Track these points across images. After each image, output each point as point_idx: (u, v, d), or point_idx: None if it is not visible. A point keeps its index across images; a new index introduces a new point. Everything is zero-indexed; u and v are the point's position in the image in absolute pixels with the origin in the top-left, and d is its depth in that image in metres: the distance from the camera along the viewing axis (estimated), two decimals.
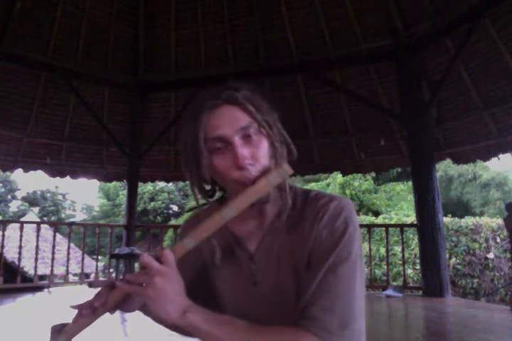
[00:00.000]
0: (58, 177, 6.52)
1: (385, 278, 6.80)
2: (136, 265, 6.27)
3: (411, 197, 10.54)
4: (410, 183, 7.35)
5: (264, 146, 0.72)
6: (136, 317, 3.48)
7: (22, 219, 17.06)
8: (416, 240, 6.37)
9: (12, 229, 13.22)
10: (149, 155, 6.49)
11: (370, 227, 6.45)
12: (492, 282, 7.66)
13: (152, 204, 25.73)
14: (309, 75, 5.88)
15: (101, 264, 17.37)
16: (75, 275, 11.60)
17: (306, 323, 0.63)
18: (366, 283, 5.80)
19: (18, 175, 33.68)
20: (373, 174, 13.18)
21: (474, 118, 5.26)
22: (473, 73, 5.10)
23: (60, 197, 32.93)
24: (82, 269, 6.08)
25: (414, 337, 3.01)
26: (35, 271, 5.43)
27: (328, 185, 14.59)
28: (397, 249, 7.91)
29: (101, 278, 6.67)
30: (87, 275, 12.38)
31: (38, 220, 21.51)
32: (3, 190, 30.81)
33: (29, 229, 10.78)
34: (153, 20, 6.18)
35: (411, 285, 7.20)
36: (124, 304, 0.71)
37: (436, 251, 4.69)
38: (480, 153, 5.39)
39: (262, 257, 0.76)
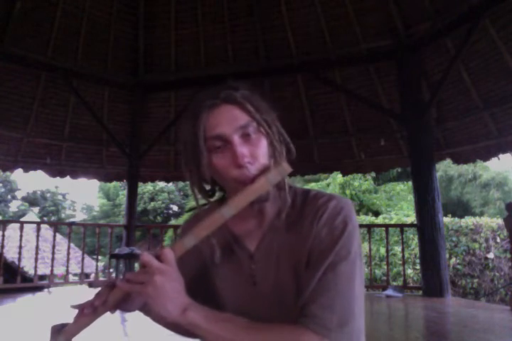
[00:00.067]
0: (58, 177, 6.52)
1: (385, 278, 6.80)
2: (136, 265, 6.27)
3: (411, 197, 10.54)
4: (410, 183, 7.35)
5: (263, 145, 0.72)
6: (136, 317, 3.49)
7: (22, 219, 17.07)
8: (416, 240, 6.37)
9: (12, 229, 13.22)
10: (149, 155, 6.49)
11: (370, 227, 6.46)
12: (492, 282, 7.66)
13: (152, 204, 25.74)
14: (309, 75, 5.88)
15: (101, 264, 17.37)
16: (75, 275, 11.60)
17: (305, 321, 0.64)
18: (366, 283, 5.80)
19: (18, 175, 33.79)
20: (373, 174, 13.18)
21: (474, 118, 5.26)
22: (473, 73, 5.10)
23: (60, 197, 32.93)
24: (82, 269, 6.08)
25: (414, 337, 3.01)
26: (35, 271, 5.43)
27: (328, 185, 14.59)
28: (397, 248, 7.91)
29: (101, 278, 6.67)
30: (87, 275, 12.38)
31: (38, 220, 21.52)
32: (3, 190, 30.82)
33: (29, 229, 10.79)
34: (153, 20, 6.18)
35: (411, 285, 7.20)
36: (124, 303, 0.71)
37: (436, 251, 4.69)
38: (480, 153, 5.39)
39: (262, 257, 0.76)
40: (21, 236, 5.28)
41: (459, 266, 7.80)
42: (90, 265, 15.14)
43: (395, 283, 7.50)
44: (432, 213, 4.78)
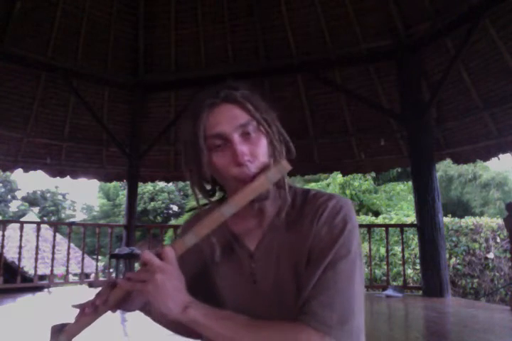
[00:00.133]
0: (58, 177, 6.53)
1: (385, 278, 6.80)
2: (136, 265, 6.27)
3: (411, 197, 10.53)
4: (410, 183, 7.35)
5: (262, 144, 0.73)
6: (136, 317, 3.48)
7: (22, 219, 17.07)
8: (416, 240, 6.37)
9: (12, 229, 13.21)
10: (149, 155, 6.49)
11: (370, 227, 6.45)
12: (492, 282, 7.66)
13: (152, 204, 25.74)
14: (309, 75, 5.88)
15: (101, 264, 17.37)
16: (75, 275, 11.60)
17: (305, 318, 0.64)
18: (366, 283, 5.80)
19: (18, 175, 33.78)
20: (373, 174, 13.19)
21: (474, 118, 5.26)
22: (473, 73, 5.10)
23: (60, 197, 32.92)
24: (82, 269, 6.09)
25: (414, 337, 3.01)
26: (35, 271, 5.43)
27: (328, 185, 14.59)
28: (397, 248, 7.91)
29: (101, 278, 6.67)
30: (87, 276, 12.37)
31: (38, 220, 21.52)
32: (3, 190, 30.81)
33: (29, 229, 10.78)
34: (153, 20, 6.18)
35: (411, 285, 7.20)
36: (125, 303, 0.71)
37: (436, 251, 4.69)
38: (480, 153, 5.39)
39: (262, 255, 0.76)
40: (21, 236, 5.28)
41: (459, 266, 7.80)
42: (90, 265, 15.13)
43: (395, 283, 7.50)
44: (432, 213, 4.78)
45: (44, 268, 10.49)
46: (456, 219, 8.54)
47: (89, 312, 0.68)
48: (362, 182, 14.23)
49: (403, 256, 5.53)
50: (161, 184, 25.37)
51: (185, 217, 22.23)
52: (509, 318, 3.68)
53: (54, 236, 5.90)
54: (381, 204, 13.92)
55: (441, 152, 5.63)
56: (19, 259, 5.39)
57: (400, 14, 5.19)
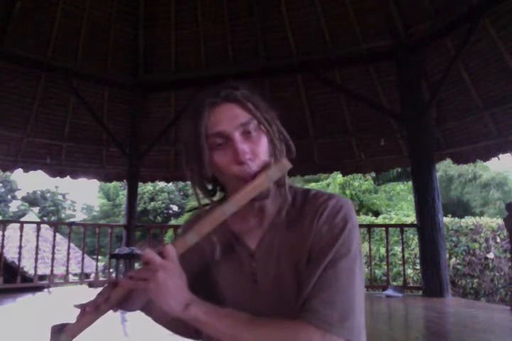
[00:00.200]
0: (58, 177, 6.53)
1: (385, 278, 6.80)
2: (136, 265, 6.27)
3: (411, 197, 10.54)
4: (410, 183, 7.35)
5: (263, 143, 0.73)
6: (136, 317, 3.48)
7: (22, 219, 17.06)
8: (416, 240, 6.37)
9: (12, 229, 13.21)
10: (149, 155, 6.49)
11: (370, 227, 6.45)
12: (492, 282, 7.66)
13: (152, 204, 25.74)
14: (309, 75, 5.88)
15: (101, 264, 17.38)
16: (75, 275, 11.60)
17: (306, 316, 0.64)
18: (366, 283, 5.80)
19: (18, 175, 33.76)
20: (373, 174, 13.19)
21: (474, 118, 5.26)
22: (473, 73, 5.10)
23: (60, 197, 32.92)
24: (82, 269, 6.09)
25: (414, 337, 3.01)
26: (35, 271, 5.43)
27: (328, 185, 14.60)
28: (397, 248, 7.91)
29: (101, 278, 6.67)
30: (87, 275, 12.38)
31: (38, 220, 21.52)
32: (3, 190, 30.81)
33: (29, 229, 10.78)
34: (153, 20, 6.18)
35: (411, 285, 7.20)
36: (126, 303, 0.72)
37: (436, 251, 4.69)
38: (480, 153, 5.39)
39: (263, 254, 0.77)
40: (21, 236, 5.28)
41: (459, 266, 7.80)
42: (90, 265, 15.13)
43: (395, 283, 7.50)
44: (432, 213, 4.78)
45: (44, 268, 10.48)
46: (456, 219, 8.54)
47: (90, 311, 0.68)
48: (362, 182, 14.23)
49: (403, 256, 5.53)
50: (161, 184, 25.39)
51: (185, 217, 22.22)
52: (509, 318, 3.68)
53: (54, 236, 5.90)
54: (381, 204, 13.92)
55: (441, 152, 5.63)
56: (19, 259, 5.39)
57: (400, 14, 5.19)
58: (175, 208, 27.95)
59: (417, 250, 6.36)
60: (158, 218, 26.13)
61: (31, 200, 31.03)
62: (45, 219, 28.49)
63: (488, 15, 4.52)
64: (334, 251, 0.68)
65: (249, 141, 0.72)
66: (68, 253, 6.02)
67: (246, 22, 6.02)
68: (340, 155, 6.37)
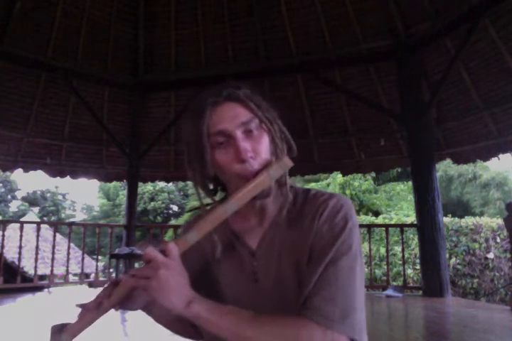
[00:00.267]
0: (58, 177, 6.53)
1: (385, 278, 6.80)
2: (136, 265, 6.27)
3: (411, 197, 10.54)
4: (410, 183, 7.35)
5: (265, 141, 0.73)
6: (136, 317, 3.49)
7: (22, 219, 17.06)
8: (416, 240, 6.36)
9: (12, 229, 13.21)
10: (149, 155, 6.49)
11: (370, 227, 6.45)
12: (492, 282, 7.66)
13: (152, 204, 25.74)
14: (309, 75, 5.88)
15: (101, 264, 17.38)
16: (75, 275, 11.60)
17: (308, 313, 0.64)
18: (366, 283, 5.80)
19: (18, 175, 33.71)
20: (373, 174, 13.19)
21: (474, 118, 5.26)
22: (473, 73, 5.10)
23: (60, 197, 32.92)
24: (82, 269, 6.09)
25: (414, 337, 3.01)
26: (35, 271, 5.43)
27: (328, 185, 14.60)
28: (397, 248, 7.91)
29: (101, 278, 6.67)
30: (87, 275, 12.37)
31: (38, 220, 21.51)
32: (3, 190, 30.81)
33: (29, 229, 10.78)
34: (153, 20, 6.18)
35: (411, 285, 7.20)
36: (127, 301, 0.72)
37: (436, 251, 4.69)
38: (480, 153, 5.39)
39: (264, 253, 0.77)
40: (21, 236, 5.28)
41: (459, 266, 7.80)
42: (90, 265, 15.13)
43: (395, 283, 7.50)
44: (432, 213, 4.78)
45: (44, 268, 10.49)
46: (456, 219, 8.54)
47: (92, 309, 0.68)
48: (362, 182, 14.23)
49: (403, 256, 5.53)
50: (161, 184, 25.39)
51: (186, 217, 22.23)
52: (509, 318, 3.68)
53: (54, 236, 5.90)
54: (381, 204, 13.92)
55: (441, 152, 5.63)
56: (19, 259, 5.39)
57: (400, 14, 5.19)
58: (175, 208, 27.95)
59: (417, 250, 6.36)
60: (158, 218, 26.13)
61: (31, 200, 31.03)
62: (45, 219, 28.49)
63: (488, 15, 4.52)
64: (335, 249, 0.69)
65: (251, 139, 0.72)
66: (68, 253, 6.02)
67: (246, 22, 6.01)
68: (340, 155, 6.37)
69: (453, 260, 7.76)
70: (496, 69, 4.87)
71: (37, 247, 5.43)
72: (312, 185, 14.37)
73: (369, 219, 9.96)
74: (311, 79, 5.95)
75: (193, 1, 6.01)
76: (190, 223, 0.89)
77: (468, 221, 8.27)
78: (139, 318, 3.35)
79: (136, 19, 6.13)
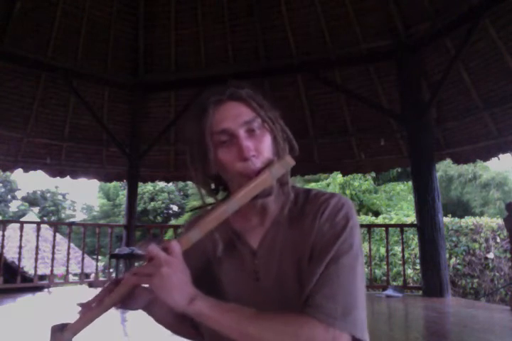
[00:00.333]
0: (58, 177, 6.53)
1: (385, 278, 6.80)
2: (137, 265, 6.27)
3: (411, 197, 10.54)
4: (410, 183, 7.35)
5: (267, 140, 0.74)
6: (136, 317, 3.48)
7: (22, 219, 17.06)
8: (416, 240, 6.36)
9: (12, 229, 13.21)
10: (149, 155, 6.49)
11: (370, 227, 6.45)
12: (492, 282, 7.66)
13: (152, 204, 25.74)
14: (309, 75, 5.88)
15: (101, 264, 17.37)
16: (75, 275, 11.60)
17: (310, 310, 0.65)
18: (366, 283, 5.79)
19: (18, 175, 33.69)
20: (373, 174, 13.18)
21: (474, 118, 5.26)
22: (473, 73, 5.10)
23: (60, 197, 32.92)
24: (82, 269, 6.09)
25: (414, 337, 3.01)
26: (35, 271, 5.43)
27: (328, 185, 14.59)
28: (397, 248, 7.91)
29: (101, 278, 6.67)
30: (87, 275, 12.38)
31: (38, 220, 21.51)
32: (3, 190, 30.80)
33: (29, 229, 10.77)
34: (153, 20, 6.18)
35: (411, 285, 7.20)
36: (129, 300, 0.72)
37: (436, 251, 4.69)
38: (480, 153, 5.39)
39: (265, 252, 0.77)
40: (21, 236, 5.28)
41: (459, 266, 7.80)
42: (90, 265, 15.13)
43: (395, 283, 7.50)
44: (432, 213, 4.78)
45: (44, 268, 10.49)
46: (456, 219, 8.54)
47: (94, 306, 0.69)
48: (362, 182, 14.23)
49: (403, 256, 5.53)
50: (161, 184, 25.38)
51: (186, 217, 22.24)
52: (509, 318, 3.68)
53: (54, 236, 5.90)
54: (381, 204, 13.92)
55: (441, 152, 5.63)
56: (19, 259, 5.39)
57: (400, 14, 5.19)
58: (175, 208, 27.95)
59: (417, 250, 6.36)
60: (158, 218, 26.13)
61: (31, 200, 31.03)
62: (45, 219, 28.49)
63: (488, 15, 4.52)
64: (336, 248, 0.69)
65: (254, 138, 0.73)
66: (68, 253, 6.02)
67: (246, 22, 6.01)
68: (340, 155, 6.37)
69: (453, 260, 7.76)
70: (496, 69, 4.87)
71: (37, 247, 5.43)
72: (312, 185, 14.37)
73: (369, 219, 9.96)
74: (311, 79, 5.95)
75: (193, 1, 6.01)
76: (191, 222, 0.89)
77: (468, 221, 8.27)
78: (139, 318, 3.35)
79: (136, 19, 6.13)
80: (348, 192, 13.86)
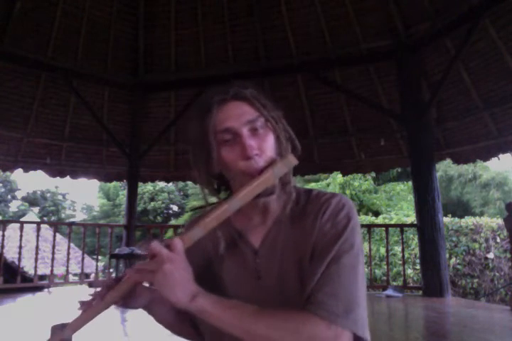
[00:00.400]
0: (58, 177, 6.53)
1: (385, 278, 6.80)
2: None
3: (411, 197, 10.54)
4: (410, 183, 7.35)
5: (270, 139, 0.75)
6: (136, 317, 3.48)
7: (22, 219, 17.06)
8: (416, 240, 6.36)
9: (12, 229, 13.21)
10: (149, 155, 6.48)
11: (370, 227, 6.45)
12: (492, 282, 7.66)
13: (152, 204, 25.74)
14: (309, 75, 5.88)
15: (101, 264, 17.36)
16: (75, 275, 11.60)
17: (312, 307, 0.65)
18: (366, 283, 5.79)
19: (18, 175, 33.70)
20: (373, 174, 13.19)
21: (474, 118, 5.26)
22: (473, 73, 5.10)
23: (60, 197, 32.92)
24: (82, 269, 6.09)
25: (414, 337, 3.01)
26: (35, 271, 5.43)
27: (328, 185, 14.60)
28: (397, 248, 7.91)
29: (101, 278, 6.67)
30: (87, 275, 12.38)
31: (38, 220, 21.51)
32: (3, 190, 30.80)
33: (29, 229, 10.77)
34: (153, 20, 6.18)
35: (411, 285, 7.20)
36: (130, 298, 0.73)
37: (436, 251, 4.69)
38: (480, 153, 5.39)
39: (267, 251, 0.77)
40: (21, 236, 5.28)
41: (459, 266, 7.80)
42: (90, 265, 15.13)
43: (395, 283, 7.50)
44: (432, 213, 4.78)
45: (44, 268, 10.49)
46: (456, 219, 8.54)
47: (94, 303, 0.69)
48: (362, 182, 14.23)
49: (403, 256, 5.53)
50: (161, 184, 25.39)
51: (186, 217, 22.22)
52: (509, 318, 3.68)
53: (54, 236, 5.90)
54: (381, 204, 13.92)
55: (441, 152, 5.63)
56: (19, 259, 5.39)
57: (400, 14, 5.19)
58: (175, 208, 27.95)
59: (417, 250, 6.36)
60: (158, 218, 26.13)
61: (31, 200, 31.03)
62: (45, 219, 28.49)
63: (488, 15, 4.52)
64: (337, 247, 0.69)
65: (257, 137, 0.73)
66: (68, 253, 6.02)
67: (246, 22, 6.01)
68: (340, 155, 6.37)
69: (453, 260, 7.76)
70: (496, 69, 4.87)
71: (37, 247, 5.43)
72: (312, 185, 14.37)
73: (369, 219, 9.96)
74: (311, 79, 5.95)
75: (193, 1, 6.01)
76: (192, 222, 0.89)
77: (468, 221, 8.27)
78: (139, 318, 3.35)
79: (136, 19, 6.13)
80: (348, 192, 13.86)
